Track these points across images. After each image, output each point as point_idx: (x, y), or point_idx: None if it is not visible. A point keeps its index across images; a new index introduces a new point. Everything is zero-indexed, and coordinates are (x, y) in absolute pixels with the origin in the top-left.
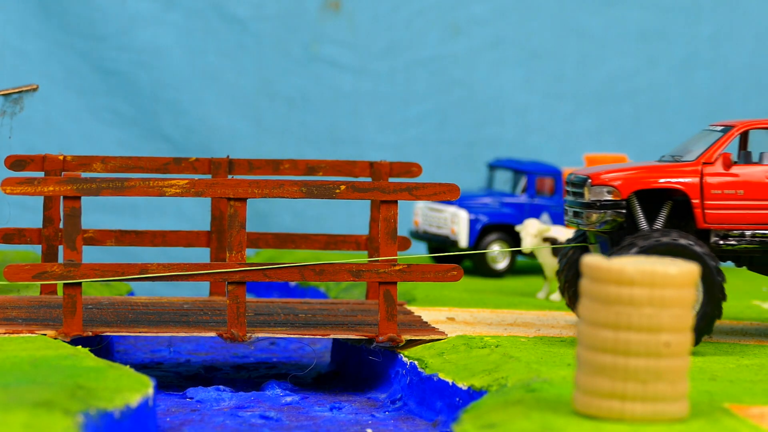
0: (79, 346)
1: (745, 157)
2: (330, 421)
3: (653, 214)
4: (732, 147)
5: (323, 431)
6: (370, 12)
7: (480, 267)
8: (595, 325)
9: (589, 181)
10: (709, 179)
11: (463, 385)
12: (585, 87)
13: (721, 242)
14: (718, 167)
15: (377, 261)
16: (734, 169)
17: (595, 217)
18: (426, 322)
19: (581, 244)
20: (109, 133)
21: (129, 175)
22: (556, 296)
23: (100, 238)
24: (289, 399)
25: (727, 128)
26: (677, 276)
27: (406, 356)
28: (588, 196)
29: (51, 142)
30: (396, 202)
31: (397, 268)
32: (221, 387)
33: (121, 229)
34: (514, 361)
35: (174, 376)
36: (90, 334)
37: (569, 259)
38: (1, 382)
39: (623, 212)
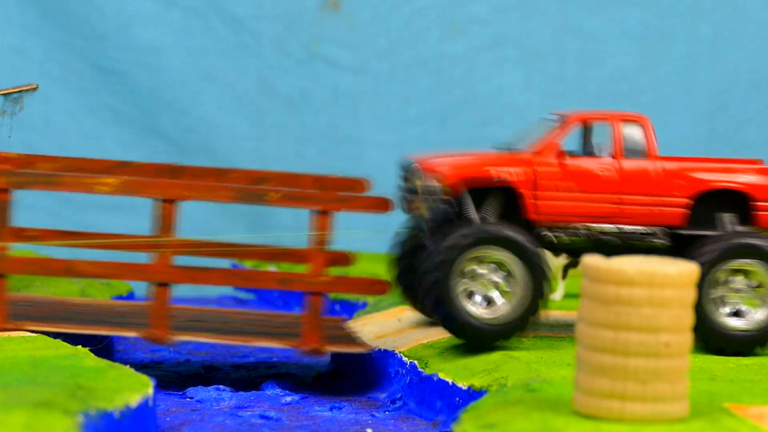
0: (79, 346)
1: (585, 149)
2: (330, 421)
3: (486, 205)
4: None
5: (323, 431)
6: (370, 12)
7: None
8: (595, 325)
9: (419, 168)
10: (539, 170)
11: (463, 385)
12: (585, 87)
13: (551, 234)
14: (550, 158)
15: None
16: (567, 161)
17: (422, 205)
18: (356, 336)
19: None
20: (108, 132)
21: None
22: (557, 296)
23: (43, 237)
24: (288, 399)
25: (562, 119)
26: (676, 276)
27: (406, 356)
28: (416, 184)
29: (50, 141)
30: (328, 212)
31: (324, 279)
32: (221, 387)
33: (62, 230)
34: (514, 361)
35: (174, 376)
36: (12, 327)
37: (404, 248)
38: (1, 382)
39: (451, 201)
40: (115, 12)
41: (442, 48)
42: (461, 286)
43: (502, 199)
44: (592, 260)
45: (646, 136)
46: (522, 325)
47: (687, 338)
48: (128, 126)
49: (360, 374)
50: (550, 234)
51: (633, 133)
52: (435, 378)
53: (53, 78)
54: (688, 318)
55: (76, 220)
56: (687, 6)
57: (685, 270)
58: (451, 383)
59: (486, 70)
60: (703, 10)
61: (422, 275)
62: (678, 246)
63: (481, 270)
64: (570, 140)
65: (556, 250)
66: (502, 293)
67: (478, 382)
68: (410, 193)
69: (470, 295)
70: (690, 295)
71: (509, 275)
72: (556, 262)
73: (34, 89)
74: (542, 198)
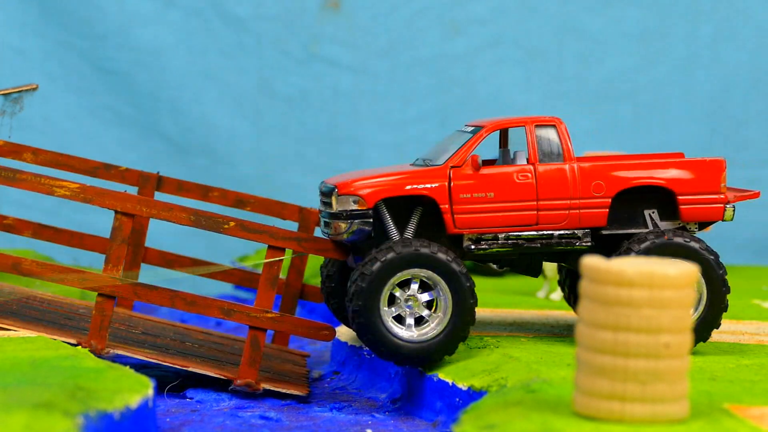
0: (79, 347)
1: (503, 157)
2: (330, 421)
3: (408, 222)
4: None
5: (323, 431)
6: (370, 12)
7: (480, 266)
8: (595, 326)
9: (336, 190)
10: (457, 183)
11: (463, 385)
12: (585, 86)
13: (473, 246)
14: (467, 170)
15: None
16: (484, 171)
17: (342, 227)
18: (301, 376)
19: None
20: (108, 132)
21: (55, 172)
22: (556, 295)
23: (18, 227)
24: (288, 399)
25: (477, 129)
26: (676, 277)
27: None
28: (335, 206)
29: (50, 141)
30: (283, 249)
31: (269, 315)
32: (221, 387)
33: (40, 223)
34: (514, 361)
35: (174, 377)
36: None
37: (331, 269)
38: (1, 382)
39: (371, 222)
40: (115, 12)
41: (442, 48)
42: (385, 309)
43: (424, 215)
44: (591, 261)
45: (561, 138)
46: (451, 343)
47: (687, 339)
48: (128, 126)
49: (360, 374)
50: (473, 246)
51: (548, 136)
52: (435, 378)
53: (53, 78)
54: (688, 319)
55: (76, 220)
56: (687, 6)
57: (685, 271)
58: (451, 384)
59: (486, 70)
60: (703, 10)
61: (347, 302)
62: (604, 246)
63: (406, 290)
64: (491, 149)
65: (483, 261)
66: (429, 312)
67: (478, 383)
68: (331, 217)
69: (396, 317)
70: (690, 295)
71: (435, 291)
72: (554, 263)
73: (34, 89)
74: (460, 211)
